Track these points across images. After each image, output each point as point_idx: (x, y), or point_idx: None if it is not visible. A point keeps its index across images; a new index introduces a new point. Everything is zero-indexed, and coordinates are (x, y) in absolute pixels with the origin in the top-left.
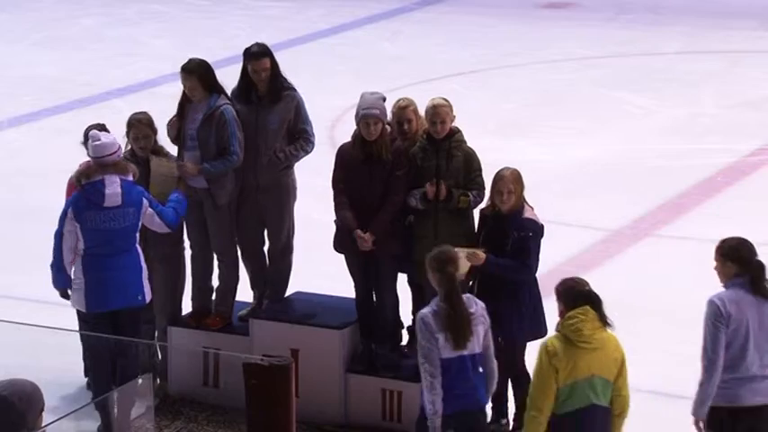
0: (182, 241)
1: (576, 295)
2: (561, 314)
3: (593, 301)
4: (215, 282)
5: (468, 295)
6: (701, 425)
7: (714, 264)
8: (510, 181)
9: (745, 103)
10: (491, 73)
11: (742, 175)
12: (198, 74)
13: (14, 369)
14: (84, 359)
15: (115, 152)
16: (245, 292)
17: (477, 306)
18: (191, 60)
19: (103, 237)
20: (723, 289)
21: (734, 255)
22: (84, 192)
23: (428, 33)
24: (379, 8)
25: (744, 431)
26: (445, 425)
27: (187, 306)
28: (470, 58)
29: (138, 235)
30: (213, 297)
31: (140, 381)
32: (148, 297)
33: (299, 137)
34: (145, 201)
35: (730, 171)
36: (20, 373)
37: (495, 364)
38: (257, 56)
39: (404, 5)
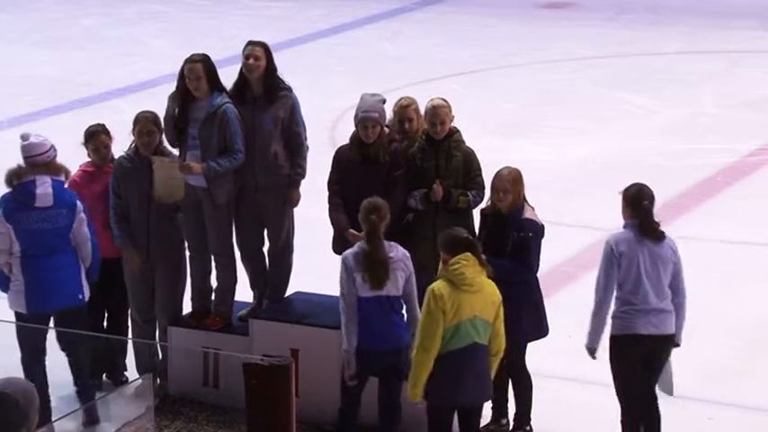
0: (182, 241)
1: (458, 243)
2: (444, 261)
3: (473, 247)
4: (214, 282)
5: (391, 243)
6: (595, 354)
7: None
8: (506, 181)
9: (745, 103)
10: (491, 73)
11: (742, 175)
12: (204, 64)
13: (14, 369)
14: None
15: (45, 152)
16: (245, 293)
17: (397, 252)
18: (194, 54)
19: (36, 237)
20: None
21: (628, 199)
22: (15, 193)
23: (428, 33)
24: (379, 8)
25: (640, 358)
26: (362, 359)
27: (187, 306)
28: (470, 58)
29: (72, 236)
30: (212, 297)
31: (140, 381)
32: (87, 296)
33: (293, 142)
34: (79, 204)
35: (730, 171)
36: (19, 373)
37: (418, 311)
38: (252, 43)
39: (404, 5)
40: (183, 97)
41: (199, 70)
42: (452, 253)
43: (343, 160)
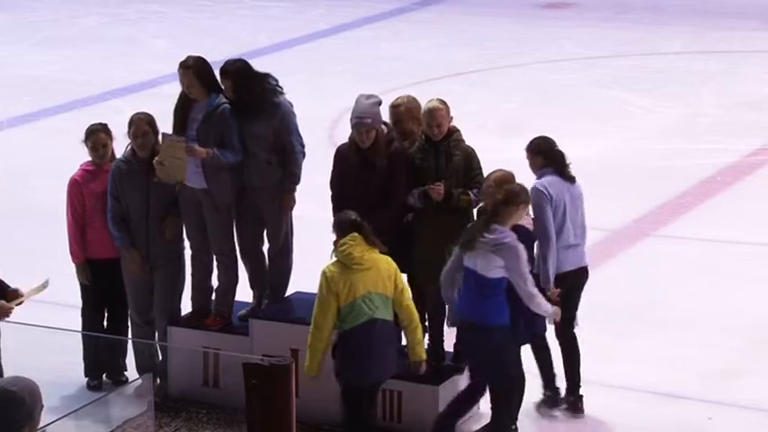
0: (181, 241)
1: (345, 224)
2: (335, 243)
3: (360, 228)
4: (214, 282)
5: (498, 227)
6: (554, 292)
7: (527, 162)
8: (489, 184)
9: (745, 103)
10: (491, 73)
11: (742, 175)
12: (195, 70)
13: (15, 369)
14: (85, 359)
15: None
16: (245, 292)
17: (503, 235)
18: (188, 57)
19: None
20: (536, 180)
21: (538, 149)
22: None
23: (428, 33)
24: (378, 8)
25: (564, 291)
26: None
27: (186, 306)
28: (470, 58)
29: None
30: (213, 297)
31: (140, 381)
32: None
33: (286, 151)
34: None
35: (730, 171)
36: (20, 372)
37: (526, 289)
38: (222, 72)
39: (404, 5)
40: (184, 98)
41: (189, 77)
42: (342, 235)
43: (342, 160)
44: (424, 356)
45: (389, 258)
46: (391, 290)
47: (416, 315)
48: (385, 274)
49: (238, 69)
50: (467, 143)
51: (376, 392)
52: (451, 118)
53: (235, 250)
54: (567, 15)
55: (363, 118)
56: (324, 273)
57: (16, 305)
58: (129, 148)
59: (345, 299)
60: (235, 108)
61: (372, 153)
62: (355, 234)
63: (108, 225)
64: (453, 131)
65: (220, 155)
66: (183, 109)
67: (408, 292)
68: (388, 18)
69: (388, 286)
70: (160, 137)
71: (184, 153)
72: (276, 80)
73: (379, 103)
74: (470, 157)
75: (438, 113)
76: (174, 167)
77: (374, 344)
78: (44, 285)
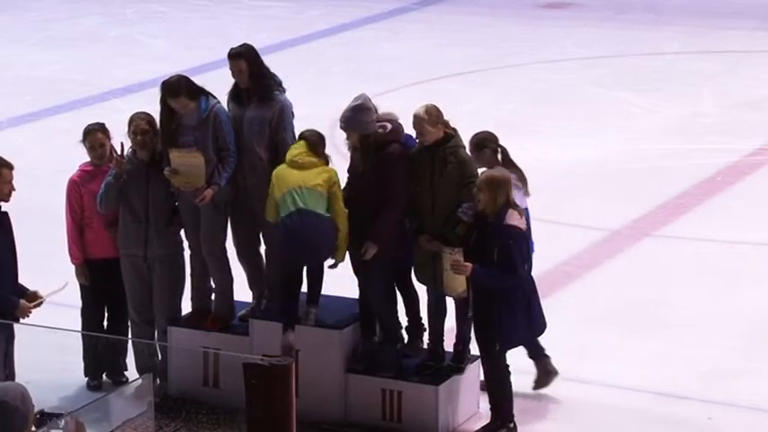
0: (180, 242)
1: (299, 136)
2: None
3: (307, 139)
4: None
5: None
6: None
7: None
8: (479, 183)
9: (745, 103)
10: (491, 73)
11: (742, 175)
12: (186, 93)
13: (15, 369)
14: (84, 359)
15: None
16: (245, 293)
17: None
18: (170, 83)
19: None
20: None
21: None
22: None
23: (428, 33)
24: (378, 8)
25: None
26: None
27: (186, 306)
28: (470, 58)
29: None
30: (212, 297)
31: (140, 381)
32: None
33: (279, 149)
34: None
35: (730, 171)
36: (20, 372)
37: None
38: (231, 57)
39: (404, 5)
40: (168, 109)
41: (184, 102)
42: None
43: (352, 158)
44: (342, 260)
45: (334, 170)
46: (325, 189)
47: (345, 223)
48: (320, 178)
49: (251, 49)
50: (464, 150)
51: (317, 272)
52: (445, 122)
53: (225, 251)
54: (567, 15)
55: (340, 123)
56: (274, 172)
57: (35, 306)
58: (130, 149)
59: (279, 191)
60: (238, 100)
61: (360, 155)
62: (302, 142)
63: (109, 223)
64: (450, 137)
65: (222, 178)
66: (168, 120)
67: (341, 201)
68: (388, 18)
69: (322, 185)
70: (171, 153)
71: (199, 160)
72: (280, 80)
73: (359, 107)
74: (464, 166)
75: (419, 121)
76: (192, 175)
77: (301, 231)
78: (62, 287)
